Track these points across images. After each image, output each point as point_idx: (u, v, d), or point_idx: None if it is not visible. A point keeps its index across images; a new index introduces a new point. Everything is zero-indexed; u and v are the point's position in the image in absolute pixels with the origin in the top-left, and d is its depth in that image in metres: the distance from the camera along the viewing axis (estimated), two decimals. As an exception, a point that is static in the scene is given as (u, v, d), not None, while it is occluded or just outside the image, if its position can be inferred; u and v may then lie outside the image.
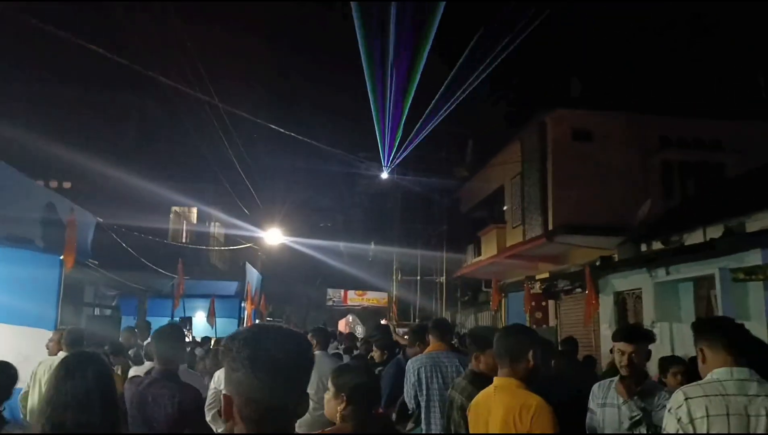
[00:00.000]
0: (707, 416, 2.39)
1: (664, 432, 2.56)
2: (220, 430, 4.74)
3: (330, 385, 2.63)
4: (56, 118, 17.70)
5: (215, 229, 20.81)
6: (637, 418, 3.10)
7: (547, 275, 15.10)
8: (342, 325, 30.01)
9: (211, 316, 13.31)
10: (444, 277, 22.66)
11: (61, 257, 7.39)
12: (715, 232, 9.10)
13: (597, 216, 13.15)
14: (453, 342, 5.57)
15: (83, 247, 8.52)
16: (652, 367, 5.03)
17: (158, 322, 13.44)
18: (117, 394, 2.48)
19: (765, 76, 15.41)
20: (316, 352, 5.54)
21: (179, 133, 18.65)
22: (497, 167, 18.09)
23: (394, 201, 27.36)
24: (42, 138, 13.53)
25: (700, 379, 2.61)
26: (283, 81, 43.42)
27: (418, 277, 24.57)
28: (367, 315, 32.04)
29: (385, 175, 19.71)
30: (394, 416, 4.65)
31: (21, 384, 6.46)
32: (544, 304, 14.98)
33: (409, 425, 4.42)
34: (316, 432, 2.76)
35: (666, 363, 5.05)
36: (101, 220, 9.35)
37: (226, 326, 13.90)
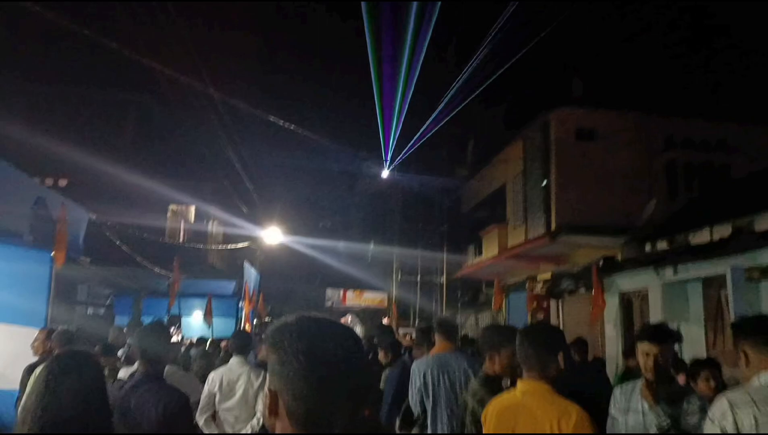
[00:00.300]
0: (756, 425, 2.14)
1: None
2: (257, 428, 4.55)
3: None
4: (53, 114, 17.48)
5: (213, 227, 20.55)
6: (666, 426, 2.85)
7: (549, 275, 14.88)
8: (341, 326, 29.74)
9: (207, 316, 13.06)
10: (444, 277, 22.44)
11: (52, 254, 7.14)
12: (722, 231, 8.88)
13: (600, 215, 12.98)
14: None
15: (75, 244, 8.27)
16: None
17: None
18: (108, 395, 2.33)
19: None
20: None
21: (179, 130, 18.42)
22: (499, 166, 17.89)
23: (395, 200, 27.15)
24: (38, 134, 13.30)
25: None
26: (284, 78, 43.18)
27: (418, 278, 24.35)
28: (367, 315, 31.80)
29: (385, 174, 19.49)
30: (398, 422, 4.39)
31: (9, 385, 6.24)
32: (545, 304, 14.76)
33: (414, 431, 4.15)
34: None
35: (698, 366, 4.63)
36: (94, 216, 9.09)
37: (222, 326, 13.67)
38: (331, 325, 1.31)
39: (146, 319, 12.22)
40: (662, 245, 10.32)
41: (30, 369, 4.97)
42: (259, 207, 20.71)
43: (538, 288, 15.25)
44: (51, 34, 15.73)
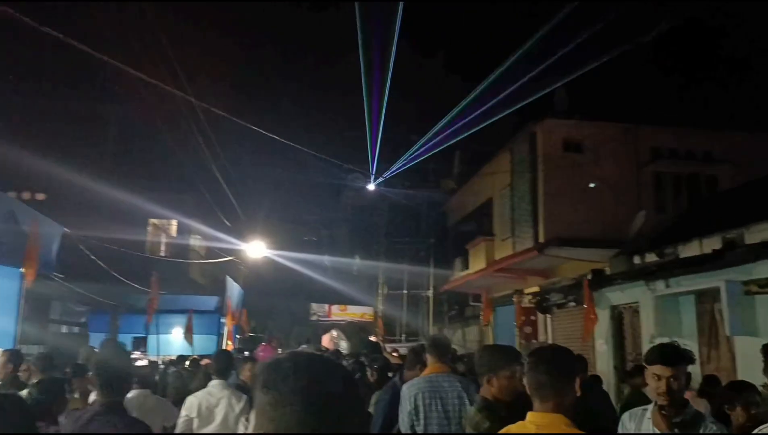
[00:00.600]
0: None
1: None
2: None
3: None
4: (29, 127, 17.05)
5: (195, 241, 20.13)
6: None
7: (537, 289, 14.69)
8: (326, 341, 29.34)
9: (188, 333, 12.64)
10: (431, 291, 22.20)
11: (21, 269, 6.79)
12: (712, 244, 8.75)
13: (588, 228, 12.85)
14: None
15: (47, 259, 7.90)
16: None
17: (129, 339, 12.81)
18: None
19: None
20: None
21: (160, 143, 18.05)
22: (486, 179, 17.75)
23: (381, 214, 26.91)
24: (13, 148, 12.91)
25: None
26: (268, 89, 42.98)
27: (405, 291, 24.08)
28: (352, 330, 31.42)
29: (371, 187, 19.24)
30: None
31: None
32: (533, 318, 14.58)
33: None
34: None
35: (736, 389, 3.85)
36: (68, 230, 8.73)
37: (204, 343, 13.26)
38: (325, 362, 1.26)
39: (125, 338, 11.82)
40: (651, 258, 10.17)
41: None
42: (242, 221, 20.33)
43: (526, 301, 15.06)
44: (25, 44, 15.37)
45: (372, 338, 19.82)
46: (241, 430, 4.65)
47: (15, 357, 5.37)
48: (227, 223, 18.10)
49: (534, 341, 13.71)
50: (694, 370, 8.12)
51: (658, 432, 2.78)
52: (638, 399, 4.80)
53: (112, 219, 13.70)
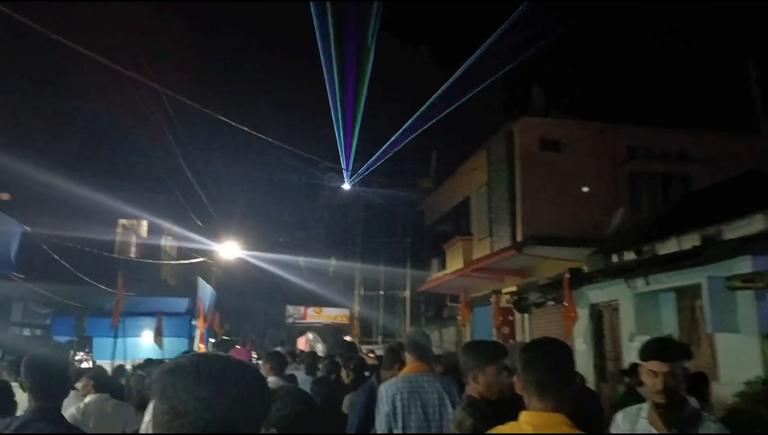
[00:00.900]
0: None
1: None
2: None
3: None
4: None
5: (166, 241, 19.62)
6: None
7: (515, 289, 14.58)
8: (301, 343, 28.94)
9: (158, 336, 12.22)
10: (408, 292, 21.99)
11: (-24, 269, 6.41)
12: (690, 241, 8.69)
13: (567, 227, 12.79)
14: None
15: (5, 259, 7.50)
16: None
17: (99, 342, 12.36)
18: None
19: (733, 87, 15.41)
20: (270, 379, 4.79)
21: (130, 141, 17.55)
22: (463, 178, 17.62)
23: (356, 214, 26.64)
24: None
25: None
26: (241, 85, 42.45)
27: (381, 292, 23.86)
28: (328, 332, 31.09)
29: (347, 187, 18.96)
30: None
31: None
32: (511, 318, 14.47)
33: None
34: None
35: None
36: (28, 229, 8.31)
37: (175, 346, 12.82)
38: (226, 360, 1.13)
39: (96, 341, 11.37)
40: (629, 256, 10.10)
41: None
42: (215, 221, 19.90)
43: (504, 301, 14.94)
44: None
45: (347, 338, 19.56)
46: None
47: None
48: (199, 223, 17.66)
49: (511, 341, 13.57)
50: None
51: (655, 432, 2.59)
52: (633, 399, 4.63)
53: (81, 219, 13.22)
